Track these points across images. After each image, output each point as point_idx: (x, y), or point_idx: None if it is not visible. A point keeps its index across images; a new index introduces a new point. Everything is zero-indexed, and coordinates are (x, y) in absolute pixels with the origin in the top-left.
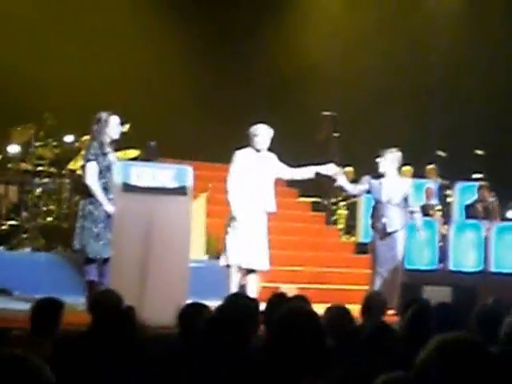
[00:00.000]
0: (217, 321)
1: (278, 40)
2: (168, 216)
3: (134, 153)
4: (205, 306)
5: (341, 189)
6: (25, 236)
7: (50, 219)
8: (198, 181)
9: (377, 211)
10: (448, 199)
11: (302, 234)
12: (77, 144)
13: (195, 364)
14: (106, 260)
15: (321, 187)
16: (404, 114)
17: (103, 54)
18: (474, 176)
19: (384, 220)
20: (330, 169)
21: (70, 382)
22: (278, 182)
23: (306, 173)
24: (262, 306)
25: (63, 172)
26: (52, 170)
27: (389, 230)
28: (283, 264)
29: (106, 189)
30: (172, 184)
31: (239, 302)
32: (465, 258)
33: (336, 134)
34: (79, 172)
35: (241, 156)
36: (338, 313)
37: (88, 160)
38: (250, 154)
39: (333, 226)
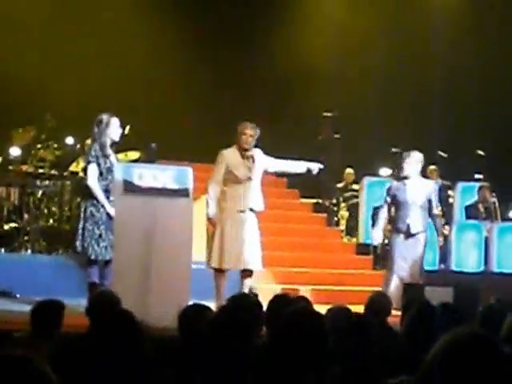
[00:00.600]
0: (219, 322)
1: (279, 41)
2: (170, 217)
3: (134, 154)
4: (207, 308)
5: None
6: (26, 238)
7: (51, 221)
8: (199, 182)
9: (400, 212)
10: (449, 200)
11: (303, 235)
12: (78, 146)
13: (197, 365)
14: (107, 262)
15: (322, 188)
16: (405, 114)
17: (104, 56)
18: (475, 176)
19: (408, 221)
20: (316, 167)
21: None
22: (279, 184)
23: (297, 167)
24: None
25: (64, 174)
26: (53, 172)
27: (413, 231)
28: (284, 265)
29: (107, 190)
30: (173, 185)
31: (241, 303)
32: (466, 259)
33: (337, 135)
34: (81, 174)
35: (225, 156)
36: (340, 314)
37: (89, 162)
38: (236, 153)
39: (334, 227)
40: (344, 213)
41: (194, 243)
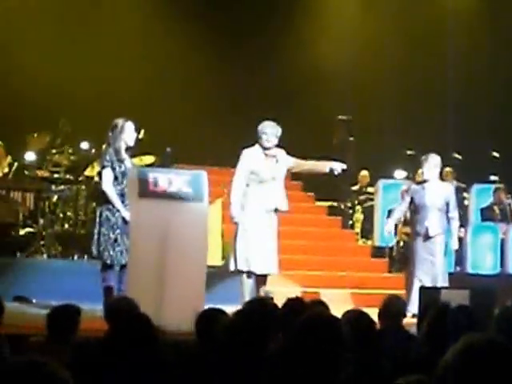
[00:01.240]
0: (234, 326)
1: (293, 44)
2: (184, 222)
3: (149, 159)
4: (222, 312)
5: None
6: (42, 243)
7: (66, 226)
8: (214, 186)
9: (419, 215)
10: (465, 202)
11: (318, 239)
12: (93, 151)
13: (213, 370)
14: (123, 266)
15: (337, 191)
16: (419, 116)
17: (119, 61)
18: (491, 178)
19: (426, 223)
20: (338, 167)
21: None
22: (294, 187)
23: (321, 166)
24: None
25: (79, 179)
26: (68, 176)
27: (431, 233)
28: (299, 268)
29: (122, 195)
30: (188, 189)
31: (258, 307)
32: (482, 261)
33: (351, 138)
34: (96, 179)
35: (249, 155)
36: (356, 317)
37: (103, 167)
38: (258, 152)
39: (349, 229)
40: (359, 215)
41: (208, 247)
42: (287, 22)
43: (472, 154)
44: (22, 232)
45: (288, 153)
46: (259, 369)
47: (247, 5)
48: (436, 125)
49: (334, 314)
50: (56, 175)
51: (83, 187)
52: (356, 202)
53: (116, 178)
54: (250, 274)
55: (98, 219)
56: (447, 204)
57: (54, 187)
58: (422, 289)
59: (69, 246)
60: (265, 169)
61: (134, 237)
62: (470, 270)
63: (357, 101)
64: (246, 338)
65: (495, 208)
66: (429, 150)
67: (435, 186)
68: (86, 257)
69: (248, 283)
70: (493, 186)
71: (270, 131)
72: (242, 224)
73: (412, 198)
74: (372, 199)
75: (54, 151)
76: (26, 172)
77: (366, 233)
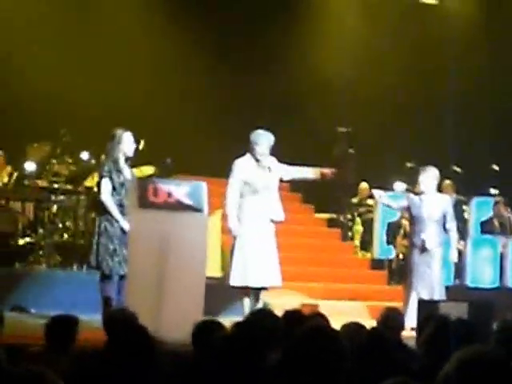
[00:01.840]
0: (233, 337)
1: (293, 55)
2: (184, 233)
3: (149, 169)
4: (219, 324)
5: (384, 205)
6: (41, 253)
7: (66, 236)
8: (213, 197)
9: (416, 227)
10: (464, 215)
11: (317, 250)
12: (93, 161)
13: (211, 380)
14: (122, 277)
15: (336, 203)
16: (420, 129)
17: (119, 71)
18: (490, 191)
19: (423, 236)
20: (328, 171)
21: None
22: (293, 199)
23: (311, 172)
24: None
25: (79, 189)
26: (68, 186)
27: (428, 246)
28: (299, 280)
29: (121, 205)
30: (187, 200)
31: (258, 318)
32: (481, 274)
33: (351, 150)
34: (95, 189)
35: (240, 165)
36: (354, 329)
37: (102, 177)
38: (250, 161)
39: (349, 241)
40: (358, 228)
41: (207, 258)
42: (289, 33)
43: (472, 166)
44: (21, 242)
45: (280, 160)
46: (257, 380)
47: (250, 16)
48: (436, 137)
49: (333, 326)
50: (56, 185)
51: (83, 197)
52: (356, 214)
53: (114, 189)
54: (245, 289)
55: (97, 229)
56: (445, 216)
57: (53, 197)
58: (421, 302)
59: (68, 256)
60: (257, 179)
61: (133, 247)
62: (469, 284)
63: (357, 113)
64: (245, 349)
65: (495, 221)
66: (429, 163)
67: (433, 198)
68: (84, 267)
69: (246, 298)
70: (493, 200)
71: (264, 143)
72: (239, 237)
73: (409, 208)
74: (371, 211)
75: (54, 161)
76: (26, 182)
77: (366, 245)
